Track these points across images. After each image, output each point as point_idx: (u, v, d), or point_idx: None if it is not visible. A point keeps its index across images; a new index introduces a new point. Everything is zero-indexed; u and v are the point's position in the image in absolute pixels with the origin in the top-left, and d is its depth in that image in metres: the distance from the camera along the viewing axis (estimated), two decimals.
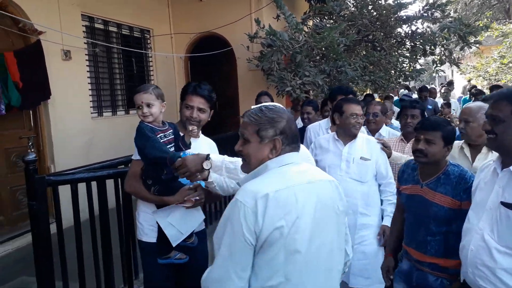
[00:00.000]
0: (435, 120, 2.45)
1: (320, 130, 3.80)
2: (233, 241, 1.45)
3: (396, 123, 4.48)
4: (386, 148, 3.03)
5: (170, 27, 7.37)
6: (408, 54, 6.84)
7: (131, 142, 5.48)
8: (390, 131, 3.94)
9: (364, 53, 6.58)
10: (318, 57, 5.87)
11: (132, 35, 6.55)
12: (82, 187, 2.88)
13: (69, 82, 5.24)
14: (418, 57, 6.65)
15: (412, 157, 2.46)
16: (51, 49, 4.93)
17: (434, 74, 6.93)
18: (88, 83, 5.62)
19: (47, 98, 4.86)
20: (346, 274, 2.67)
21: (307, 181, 1.57)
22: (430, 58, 7.27)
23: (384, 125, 3.97)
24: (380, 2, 6.70)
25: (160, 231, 2.53)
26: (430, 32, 6.66)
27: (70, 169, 2.87)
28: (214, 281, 1.48)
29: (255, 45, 6.66)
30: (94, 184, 2.90)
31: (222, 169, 2.22)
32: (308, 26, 6.64)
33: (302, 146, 1.88)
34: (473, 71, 11.81)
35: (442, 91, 7.90)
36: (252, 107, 1.71)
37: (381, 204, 3.04)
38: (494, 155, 2.07)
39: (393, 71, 6.39)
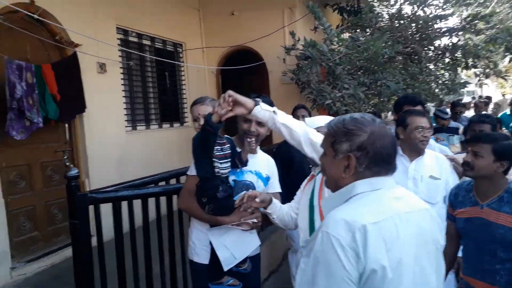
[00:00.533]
0: (486, 133, 2.34)
1: None
2: (331, 285, 1.20)
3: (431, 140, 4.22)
4: (458, 166, 2.76)
5: (202, 41, 7.31)
6: (448, 67, 6.56)
7: (164, 156, 5.37)
8: (440, 147, 3.65)
9: (402, 66, 6.33)
10: (355, 70, 5.66)
11: (165, 49, 6.50)
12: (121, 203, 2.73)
13: (104, 95, 5.18)
14: (461, 70, 6.36)
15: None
16: (86, 62, 4.88)
17: (471, 88, 6.61)
18: (123, 96, 5.55)
19: (83, 111, 4.79)
20: None
21: (405, 210, 1.31)
22: (471, 71, 6.94)
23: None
24: (418, 14, 6.49)
25: (213, 253, 2.35)
26: (472, 44, 6.37)
27: (110, 186, 2.71)
28: None
29: (288, 58, 6.53)
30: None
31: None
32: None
33: None
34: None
35: (491, 107, 7.50)
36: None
37: None
38: None
39: (434, 84, 6.10)
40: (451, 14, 6.29)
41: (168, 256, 2.88)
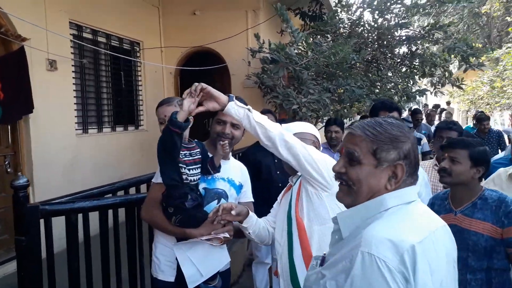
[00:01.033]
0: (462, 139, 2.28)
1: None
2: None
3: None
4: None
5: (161, 40, 6.98)
6: (406, 75, 6.67)
7: (117, 162, 4.96)
8: None
9: (363, 72, 6.36)
10: (318, 75, 5.59)
11: (121, 47, 6.11)
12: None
13: (53, 95, 4.75)
14: (418, 78, 6.49)
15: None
16: (35, 58, 4.45)
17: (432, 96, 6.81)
18: (74, 96, 5.13)
19: (29, 112, 4.35)
20: None
21: (435, 227, 1.18)
22: (427, 80, 7.12)
23: None
24: (379, 22, 6.56)
25: (180, 270, 2.12)
26: (429, 53, 6.53)
27: (62, 196, 2.40)
28: None
29: (253, 61, 6.36)
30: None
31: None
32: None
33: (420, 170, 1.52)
34: (462, 95, 11.93)
35: (443, 115, 7.78)
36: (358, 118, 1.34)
37: None
38: None
39: (393, 90, 6.17)
40: (410, 23, 6.39)
41: (127, 270, 2.60)
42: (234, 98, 1.87)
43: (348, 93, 5.35)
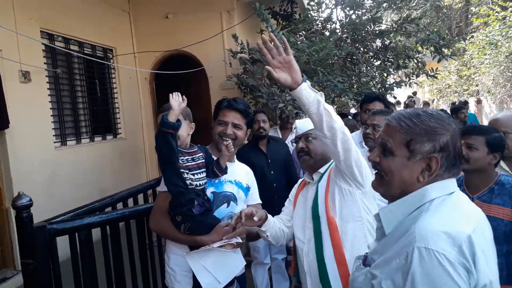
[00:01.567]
0: (478, 125, 2.37)
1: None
2: None
3: None
4: None
5: (133, 45, 6.80)
6: (381, 68, 6.79)
7: (97, 173, 4.81)
8: None
9: (340, 67, 6.43)
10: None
11: (94, 55, 5.90)
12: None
13: (29, 108, 4.53)
14: (393, 70, 6.62)
15: None
16: (7, 70, 4.22)
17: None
18: (50, 108, 4.90)
19: (5, 127, 4.12)
20: None
21: (481, 216, 1.19)
22: (401, 72, 7.28)
23: None
24: (352, 17, 6.65)
25: (196, 279, 2.05)
26: (402, 46, 6.67)
27: (65, 213, 2.27)
28: None
29: (225, 62, 6.31)
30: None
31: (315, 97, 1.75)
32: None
33: None
34: (431, 85, 12.38)
35: (407, 102, 8.01)
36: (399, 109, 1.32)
37: None
38: None
39: (371, 83, 6.27)
40: (382, 18, 6.51)
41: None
42: (306, 80, 1.79)
43: (329, 89, 5.38)
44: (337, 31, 6.59)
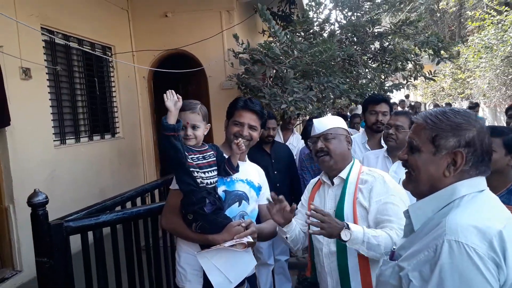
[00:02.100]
0: (495, 127, 2.33)
1: (356, 145, 3.47)
2: None
3: None
4: None
5: (132, 44, 6.75)
6: (380, 70, 6.84)
7: (96, 172, 4.78)
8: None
9: (340, 69, 6.46)
10: (299, 74, 5.61)
11: (93, 52, 5.84)
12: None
13: (29, 105, 4.47)
14: (391, 73, 6.66)
15: None
16: (8, 67, 4.16)
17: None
18: (50, 106, 4.85)
19: (6, 125, 4.06)
20: None
21: (510, 214, 1.19)
22: (398, 74, 7.33)
23: None
24: (351, 19, 6.69)
25: (207, 277, 2.05)
26: (400, 48, 6.72)
27: (75, 212, 2.24)
28: None
29: (227, 63, 6.30)
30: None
31: (363, 244, 1.78)
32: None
33: None
34: (426, 88, 12.52)
35: (414, 104, 8.09)
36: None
37: None
38: None
39: (370, 85, 6.31)
40: (381, 20, 6.56)
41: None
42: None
43: (329, 90, 5.41)
44: (337, 32, 6.61)
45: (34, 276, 2.18)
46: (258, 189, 2.39)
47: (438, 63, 6.17)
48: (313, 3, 6.58)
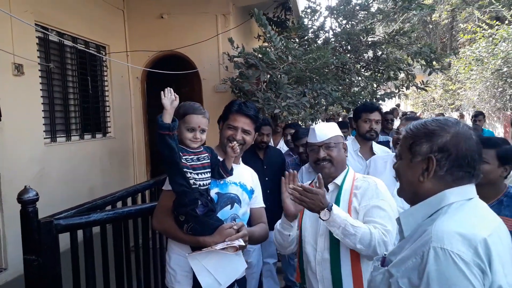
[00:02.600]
0: (488, 138, 2.33)
1: (348, 153, 3.48)
2: None
3: None
4: None
5: (126, 44, 6.73)
6: (373, 79, 6.90)
7: (86, 172, 4.76)
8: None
9: (333, 76, 6.51)
10: (292, 80, 5.65)
11: (87, 51, 5.81)
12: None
13: (21, 102, 4.42)
14: (383, 81, 6.73)
15: None
16: (0, 63, 4.13)
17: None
18: (42, 103, 4.80)
19: None
20: None
21: (498, 221, 1.22)
22: (391, 83, 7.41)
23: None
24: (347, 28, 6.74)
25: (197, 279, 2.05)
26: (393, 58, 6.79)
27: (65, 210, 2.22)
28: None
29: (222, 66, 6.32)
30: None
31: (339, 229, 1.82)
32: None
33: None
34: (417, 97, 12.68)
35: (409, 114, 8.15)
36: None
37: None
38: None
39: (363, 93, 6.36)
40: (375, 29, 6.62)
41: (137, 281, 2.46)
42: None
43: (322, 96, 5.44)
44: (331, 40, 6.66)
45: (19, 274, 2.15)
46: (250, 192, 2.40)
47: (430, 74, 6.25)
48: (308, 10, 6.62)
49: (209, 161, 2.18)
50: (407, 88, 6.77)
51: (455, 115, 12.53)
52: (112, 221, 2.20)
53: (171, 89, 1.95)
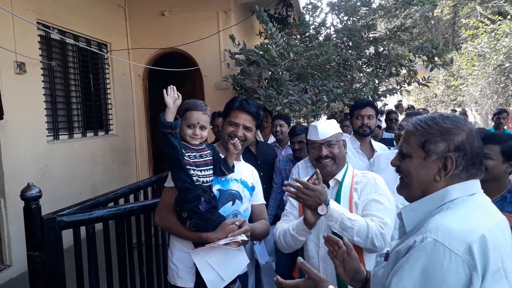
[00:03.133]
0: (493, 133, 2.31)
1: (349, 150, 3.48)
2: None
3: None
4: None
5: (128, 41, 6.74)
6: (374, 75, 6.89)
7: (88, 169, 4.75)
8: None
9: (335, 72, 6.49)
10: (294, 76, 5.64)
11: (89, 49, 5.82)
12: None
13: (23, 100, 4.45)
14: (385, 78, 6.71)
15: None
16: (2, 61, 4.15)
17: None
18: (44, 101, 4.83)
19: (0, 119, 4.04)
20: None
21: (501, 217, 1.21)
22: (392, 79, 7.38)
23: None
24: (348, 24, 6.73)
25: (199, 275, 2.06)
26: (394, 54, 6.77)
27: (67, 207, 2.23)
28: None
29: (223, 63, 6.32)
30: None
31: (336, 222, 1.85)
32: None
33: None
34: (419, 94, 12.67)
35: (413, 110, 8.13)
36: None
37: None
38: None
39: (364, 89, 6.35)
40: (376, 25, 6.60)
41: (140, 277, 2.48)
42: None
43: (324, 93, 5.43)
44: (333, 36, 6.65)
45: (23, 271, 2.17)
46: (251, 189, 2.41)
47: (431, 70, 6.23)
48: (309, 7, 6.61)
49: (211, 158, 2.19)
50: (409, 84, 6.75)
51: (458, 111, 12.52)
52: (114, 218, 2.21)
53: (174, 87, 1.96)
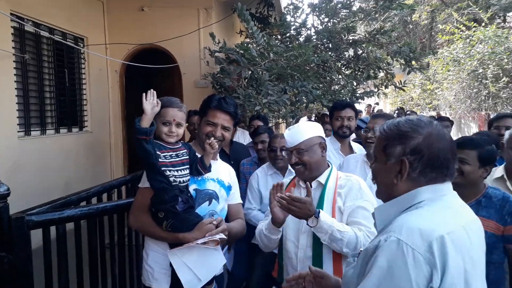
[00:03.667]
0: (470, 138, 2.32)
1: (330, 151, 3.49)
2: None
3: None
4: None
5: (105, 36, 6.60)
6: (353, 77, 6.96)
7: (61, 166, 4.66)
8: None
9: (314, 73, 6.53)
10: (273, 77, 5.64)
11: (65, 43, 5.67)
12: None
13: None
14: (363, 80, 6.79)
15: None
16: None
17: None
18: (16, 95, 4.67)
19: None
20: None
21: (471, 218, 1.24)
22: (370, 82, 7.49)
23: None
24: (327, 25, 6.78)
25: (174, 276, 2.04)
26: (373, 57, 6.86)
27: (37, 206, 2.16)
28: None
29: (203, 61, 6.27)
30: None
31: (326, 234, 1.85)
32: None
33: None
34: (395, 96, 12.88)
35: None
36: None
37: None
38: None
39: (343, 91, 6.42)
40: (356, 28, 6.68)
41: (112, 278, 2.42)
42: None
43: (303, 94, 5.45)
44: (313, 38, 6.68)
45: None
46: (228, 189, 2.39)
47: (408, 73, 6.35)
48: (291, 7, 6.62)
49: (187, 157, 2.16)
50: (386, 87, 6.85)
51: (433, 114, 12.80)
52: (86, 217, 2.15)
53: (154, 92, 1.91)
